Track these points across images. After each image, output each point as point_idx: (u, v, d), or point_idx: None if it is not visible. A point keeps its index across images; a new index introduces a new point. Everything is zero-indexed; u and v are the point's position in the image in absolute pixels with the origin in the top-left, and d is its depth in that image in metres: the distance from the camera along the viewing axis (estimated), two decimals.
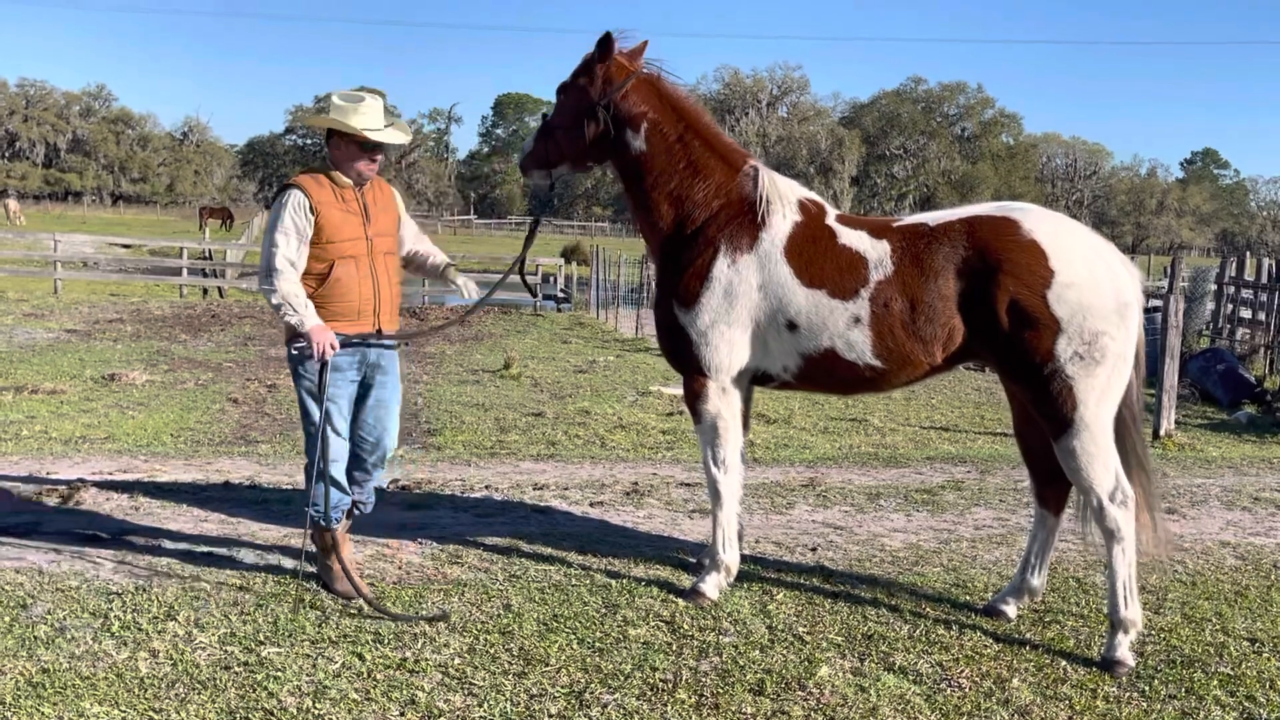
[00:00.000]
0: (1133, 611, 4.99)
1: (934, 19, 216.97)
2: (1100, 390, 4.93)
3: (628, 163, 5.67)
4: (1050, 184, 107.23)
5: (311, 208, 5.26)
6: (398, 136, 5.39)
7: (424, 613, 5.25)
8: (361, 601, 5.30)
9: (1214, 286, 22.02)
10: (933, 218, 5.29)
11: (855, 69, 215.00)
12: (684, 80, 5.79)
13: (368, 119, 5.27)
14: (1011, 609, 5.56)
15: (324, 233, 5.29)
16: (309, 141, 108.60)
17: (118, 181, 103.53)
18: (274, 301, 5.24)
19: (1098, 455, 4.96)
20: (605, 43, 5.53)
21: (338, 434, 5.47)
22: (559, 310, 26.79)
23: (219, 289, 27.39)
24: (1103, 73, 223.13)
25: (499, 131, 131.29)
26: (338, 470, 5.50)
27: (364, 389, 5.54)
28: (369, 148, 5.31)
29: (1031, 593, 5.60)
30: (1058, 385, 4.92)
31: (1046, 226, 5.05)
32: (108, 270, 29.23)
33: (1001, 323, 4.97)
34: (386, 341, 5.55)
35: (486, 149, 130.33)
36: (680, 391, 12.94)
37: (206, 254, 30.41)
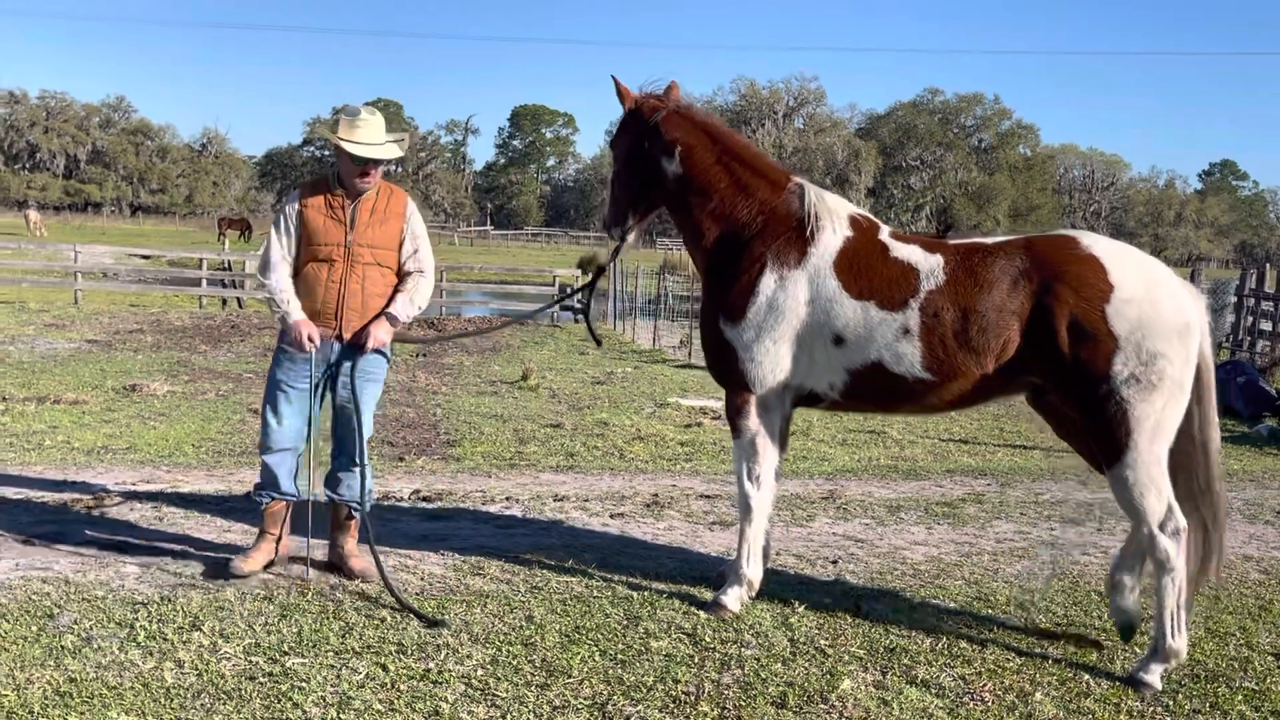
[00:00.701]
0: (1179, 643, 4.91)
1: (951, 30, 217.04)
2: (1155, 418, 4.82)
3: (670, 189, 5.81)
4: (1068, 195, 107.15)
5: (299, 210, 5.74)
6: (379, 153, 5.68)
7: (428, 613, 5.39)
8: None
9: (1234, 298, 21.95)
10: (989, 238, 5.32)
11: (871, 80, 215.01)
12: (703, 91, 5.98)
13: (360, 133, 5.64)
14: (1130, 599, 5.35)
15: (305, 234, 5.74)
16: (326, 153, 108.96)
17: (137, 192, 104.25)
18: (268, 292, 5.82)
19: (1150, 486, 4.85)
20: (616, 88, 5.87)
21: (279, 420, 5.79)
22: (575, 321, 26.83)
23: (238, 300, 27.48)
24: (1120, 84, 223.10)
25: (515, 143, 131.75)
26: (271, 457, 5.81)
27: (334, 389, 5.84)
28: (359, 161, 5.64)
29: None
30: (1113, 408, 4.83)
31: (1107, 244, 5.05)
32: (127, 281, 29.42)
33: (1057, 336, 4.90)
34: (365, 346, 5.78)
35: (503, 160, 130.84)
36: (698, 403, 13.02)
37: (226, 265, 30.54)
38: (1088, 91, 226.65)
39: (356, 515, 5.94)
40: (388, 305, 5.81)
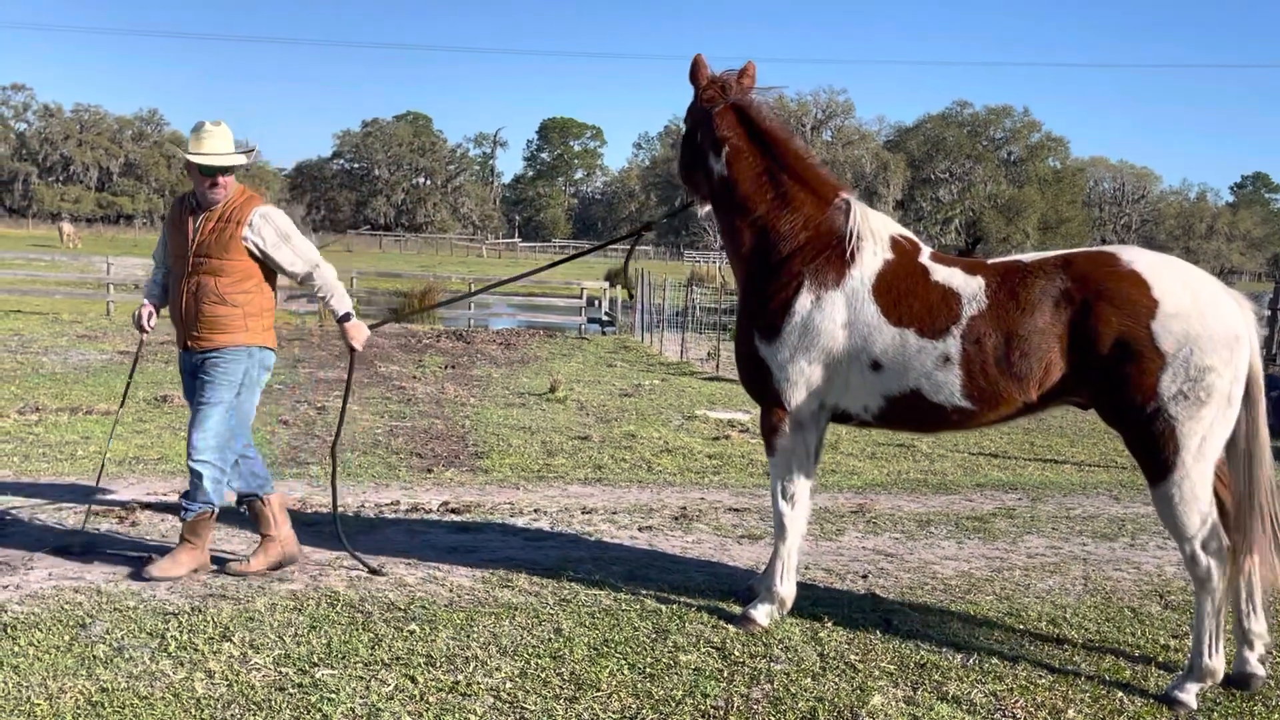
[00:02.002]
0: (1215, 662, 4.83)
1: (980, 42, 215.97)
2: (1203, 434, 4.71)
3: (713, 188, 5.74)
4: (1098, 208, 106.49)
5: (166, 226, 6.13)
6: (219, 160, 5.82)
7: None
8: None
9: (1267, 312, 21.70)
10: (1028, 256, 5.19)
11: (900, 92, 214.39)
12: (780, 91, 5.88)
13: (205, 145, 5.85)
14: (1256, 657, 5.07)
15: (166, 246, 6.09)
16: (356, 166, 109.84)
17: (168, 204, 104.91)
18: None
19: (1195, 503, 4.74)
20: (692, 65, 5.76)
21: None
22: (603, 333, 26.87)
23: None
24: (1151, 96, 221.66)
25: (543, 155, 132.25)
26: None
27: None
28: (207, 172, 5.81)
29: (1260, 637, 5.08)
30: (1160, 426, 4.72)
31: (1148, 258, 4.94)
32: None
33: (1102, 356, 4.80)
34: (203, 352, 5.88)
35: (531, 173, 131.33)
36: (726, 415, 12.99)
37: None
38: (1118, 104, 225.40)
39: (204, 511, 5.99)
40: (327, 302, 6.12)
